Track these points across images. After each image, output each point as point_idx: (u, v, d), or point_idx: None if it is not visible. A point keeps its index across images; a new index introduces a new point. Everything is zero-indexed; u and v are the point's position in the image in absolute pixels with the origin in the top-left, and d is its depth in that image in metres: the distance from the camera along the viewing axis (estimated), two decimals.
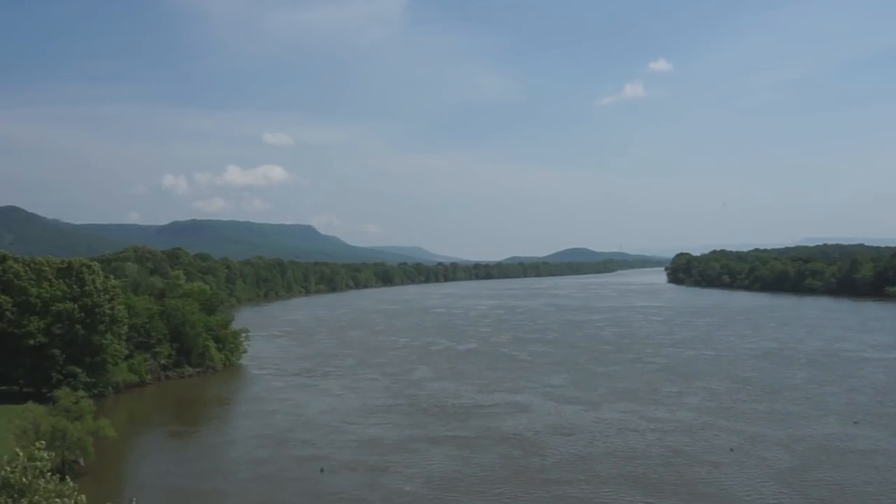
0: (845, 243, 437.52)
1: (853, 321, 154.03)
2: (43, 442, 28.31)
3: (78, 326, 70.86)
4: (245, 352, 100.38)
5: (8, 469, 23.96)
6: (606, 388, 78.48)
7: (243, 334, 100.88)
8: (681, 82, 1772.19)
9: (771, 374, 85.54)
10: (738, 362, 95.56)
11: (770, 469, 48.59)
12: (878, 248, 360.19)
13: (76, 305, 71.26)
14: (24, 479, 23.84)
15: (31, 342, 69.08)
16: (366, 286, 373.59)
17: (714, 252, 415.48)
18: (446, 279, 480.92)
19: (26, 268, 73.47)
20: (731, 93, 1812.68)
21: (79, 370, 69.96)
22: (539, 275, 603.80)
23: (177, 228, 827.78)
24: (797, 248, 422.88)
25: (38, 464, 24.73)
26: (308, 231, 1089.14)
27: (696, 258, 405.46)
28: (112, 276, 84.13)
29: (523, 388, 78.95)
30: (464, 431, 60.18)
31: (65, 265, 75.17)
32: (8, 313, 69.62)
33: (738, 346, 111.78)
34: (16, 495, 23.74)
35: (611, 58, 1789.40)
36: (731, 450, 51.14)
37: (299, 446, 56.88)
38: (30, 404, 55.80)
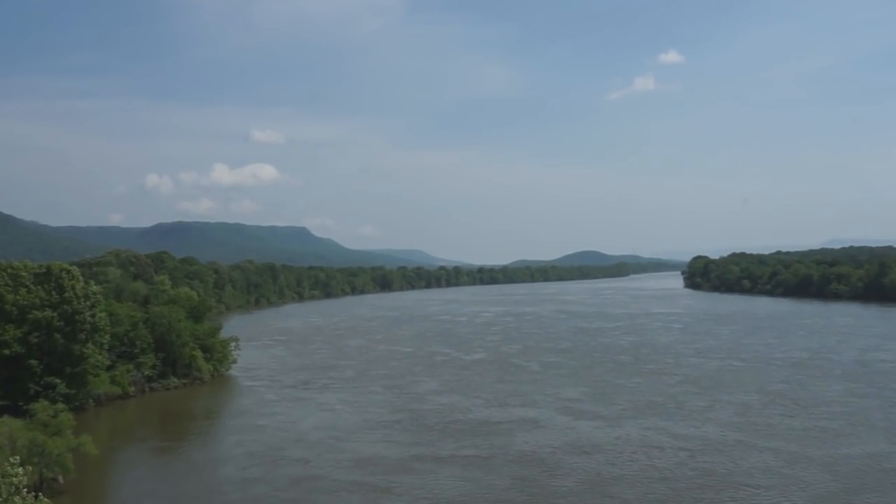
0: (873, 245, 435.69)
1: (886, 329, 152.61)
2: (17, 457, 27.36)
3: (57, 335, 70.03)
4: (235, 362, 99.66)
5: None
6: (626, 401, 77.24)
7: (233, 343, 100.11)
8: (693, 75, 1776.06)
9: (804, 387, 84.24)
10: (767, 373, 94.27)
11: (811, 492, 47.20)
12: None
13: (55, 313, 70.39)
14: None
15: (7, 352, 68.15)
16: (363, 292, 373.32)
17: (733, 255, 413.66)
18: (449, 284, 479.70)
19: (2, 273, 72.77)
20: (748, 86, 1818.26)
21: (58, 381, 69.05)
22: (547, 279, 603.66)
23: (161, 231, 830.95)
24: (822, 251, 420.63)
25: (14, 480, 23.94)
26: (301, 233, 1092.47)
27: (714, 261, 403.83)
28: (93, 282, 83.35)
29: (536, 402, 77.74)
30: (472, 450, 58.92)
31: (43, 270, 74.30)
32: None
33: (766, 356, 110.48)
34: None
35: (620, 49, 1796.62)
36: None
37: (293, 465, 55.78)
38: (5, 418, 54.84)
